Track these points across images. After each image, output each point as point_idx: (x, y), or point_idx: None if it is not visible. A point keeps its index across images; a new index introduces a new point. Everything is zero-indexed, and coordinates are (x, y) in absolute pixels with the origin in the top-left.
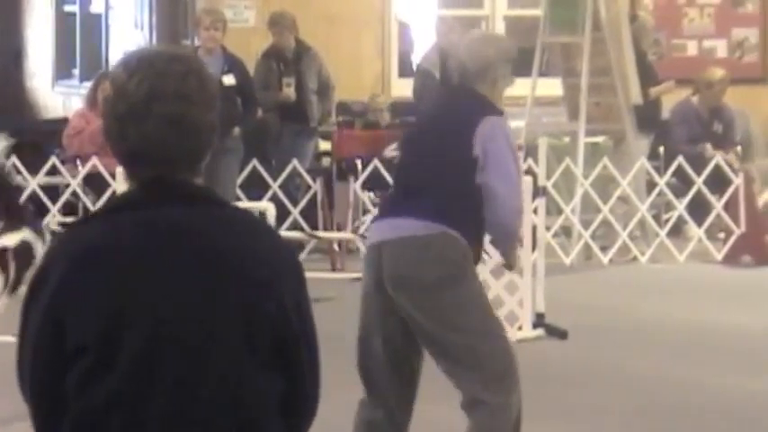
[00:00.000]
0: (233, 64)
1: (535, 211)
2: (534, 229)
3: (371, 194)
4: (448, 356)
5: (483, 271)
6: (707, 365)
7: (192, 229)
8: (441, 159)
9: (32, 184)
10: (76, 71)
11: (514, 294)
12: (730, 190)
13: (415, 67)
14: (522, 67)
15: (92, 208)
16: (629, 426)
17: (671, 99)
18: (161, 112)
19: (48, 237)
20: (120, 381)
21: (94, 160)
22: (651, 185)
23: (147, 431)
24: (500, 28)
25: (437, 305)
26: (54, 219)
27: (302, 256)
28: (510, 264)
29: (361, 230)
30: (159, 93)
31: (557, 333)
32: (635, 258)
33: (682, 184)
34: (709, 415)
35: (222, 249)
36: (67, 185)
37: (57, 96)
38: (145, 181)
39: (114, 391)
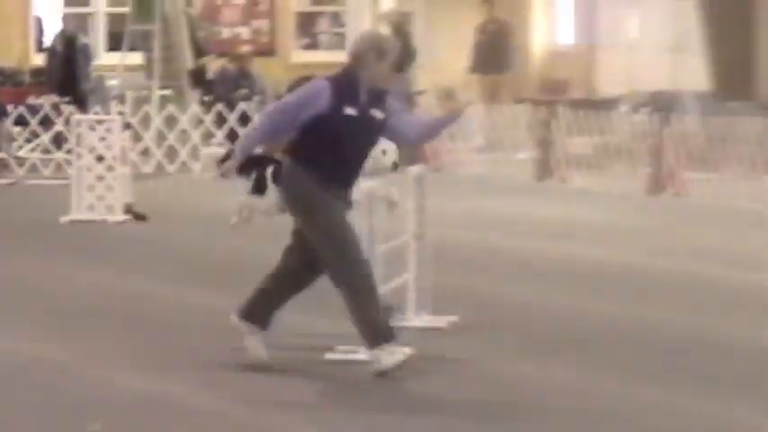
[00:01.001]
0: None
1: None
2: (123, 148)
3: (19, 128)
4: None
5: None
6: None
7: None
8: None
9: None
10: None
11: (112, 192)
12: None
13: (47, 45)
14: (116, 45)
15: None
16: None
17: (213, 66)
18: None
19: None
20: None
21: None
22: (199, 121)
23: None
24: (104, 21)
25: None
26: None
27: None
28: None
29: (10, 152)
30: None
31: (140, 218)
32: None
33: (220, 121)
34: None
35: None
36: None
37: None
38: None
39: None
